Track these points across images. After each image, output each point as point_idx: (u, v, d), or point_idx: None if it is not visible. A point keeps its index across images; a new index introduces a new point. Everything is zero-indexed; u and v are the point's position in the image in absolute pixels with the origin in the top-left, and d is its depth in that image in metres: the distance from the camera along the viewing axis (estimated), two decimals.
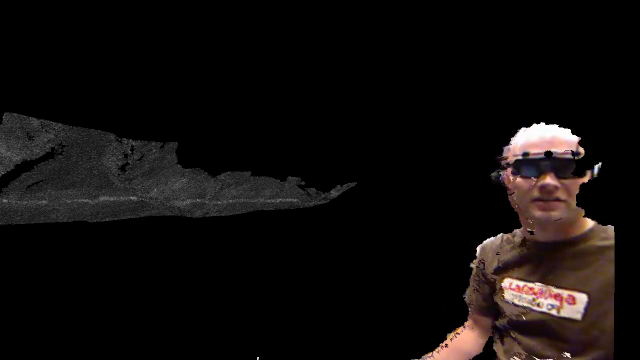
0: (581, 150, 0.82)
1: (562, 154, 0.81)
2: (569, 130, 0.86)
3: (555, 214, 0.82)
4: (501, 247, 1.04)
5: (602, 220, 0.89)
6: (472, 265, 1.14)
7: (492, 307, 1.07)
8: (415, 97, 6.48)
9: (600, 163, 0.84)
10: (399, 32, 5.87)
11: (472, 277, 1.14)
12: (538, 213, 0.84)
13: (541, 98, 5.03)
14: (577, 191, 0.83)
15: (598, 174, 0.84)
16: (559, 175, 0.81)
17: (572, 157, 0.81)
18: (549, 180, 0.80)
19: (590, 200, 0.87)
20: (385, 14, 5.71)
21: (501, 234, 1.08)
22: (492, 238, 1.10)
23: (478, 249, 1.12)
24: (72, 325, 3.62)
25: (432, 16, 5.60)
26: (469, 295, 1.15)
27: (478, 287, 1.11)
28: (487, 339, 1.11)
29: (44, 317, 3.75)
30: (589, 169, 0.81)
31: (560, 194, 0.81)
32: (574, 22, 4.73)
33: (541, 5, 4.95)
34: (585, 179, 0.82)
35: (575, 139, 0.84)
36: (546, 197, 0.81)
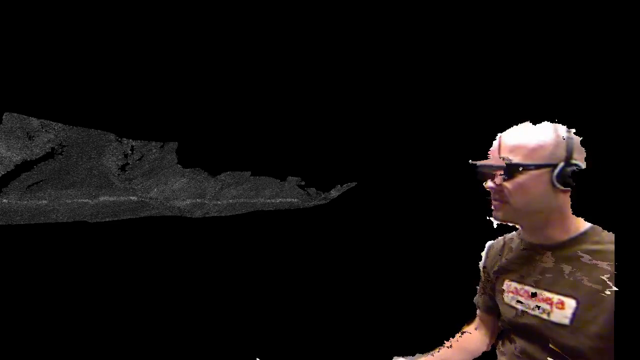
0: (517, 154, 0.86)
1: (489, 161, 0.90)
2: (526, 131, 0.87)
3: (498, 214, 0.90)
4: (503, 248, 1.06)
5: (601, 221, 0.89)
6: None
7: (497, 307, 1.09)
8: (415, 97, 6.48)
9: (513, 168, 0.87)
10: (398, 32, 5.87)
11: (481, 277, 1.16)
12: (493, 213, 0.93)
13: (541, 97, 5.03)
14: (520, 192, 0.85)
15: (559, 175, 0.84)
16: (496, 180, 0.88)
17: (494, 164, 0.88)
18: (489, 183, 0.90)
19: (590, 201, 0.87)
20: (384, 14, 5.71)
21: (507, 234, 1.09)
22: (498, 238, 1.11)
23: (485, 248, 1.14)
24: (72, 325, 3.62)
25: (431, 16, 5.60)
26: (478, 294, 1.17)
27: (484, 287, 1.13)
28: (494, 339, 1.12)
29: (44, 317, 3.75)
30: (507, 174, 0.86)
31: (500, 196, 0.89)
32: (573, 22, 4.73)
33: (540, 5, 4.95)
34: (523, 180, 0.85)
35: (497, 145, 0.89)
36: (492, 198, 0.91)
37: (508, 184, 0.86)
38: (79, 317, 3.74)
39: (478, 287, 1.15)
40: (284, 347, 3.22)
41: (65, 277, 4.59)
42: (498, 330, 1.10)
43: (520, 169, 0.83)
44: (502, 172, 0.86)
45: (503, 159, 0.86)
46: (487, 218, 0.92)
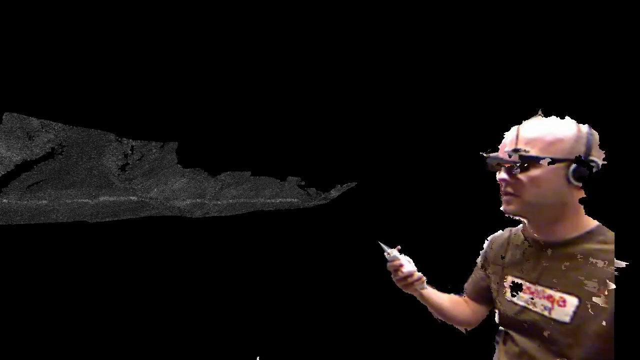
0: (534, 146, 0.83)
1: (504, 152, 0.87)
2: (546, 125, 0.85)
3: (509, 208, 0.88)
4: (507, 243, 1.04)
5: (602, 221, 0.88)
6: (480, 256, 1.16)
7: (484, 295, 1.09)
8: (415, 97, 6.48)
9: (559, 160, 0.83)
10: (399, 32, 5.87)
11: (477, 262, 1.16)
12: (502, 206, 0.90)
13: (541, 97, 5.03)
14: (532, 186, 0.83)
15: (575, 171, 0.82)
16: (510, 171, 0.85)
17: (511, 153, 0.85)
18: (499, 175, 0.88)
19: (591, 200, 0.87)
20: (384, 14, 5.71)
21: (509, 228, 1.08)
22: (500, 231, 1.10)
23: (487, 240, 1.13)
24: (72, 325, 3.62)
25: (431, 16, 5.60)
26: (469, 281, 1.18)
27: (478, 273, 1.13)
28: (474, 324, 1.14)
29: (44, 317, 3.75)
30: (523, 165, 0.84)
31: (511, 188, 0.86)
32: (573, 22, 4.73)
33: (541, 5, 4.95)
34: (538, 174, 0.83)
35: (515, 136, 0.87)
36: (502, 190, 0.88)
37: (522, 177, 0.83)
38: (79, 316, 3.74)
39: (472, 275, 1.15)
40: (284, 347, 3.23)
41: (65, 277, 4.58)
42: (476, 317, 1.13)
43: (539, 161, 0.81)
44: (516, 164, 0.83)
45: (518, 150, 0.84)
46: (503, 209, 0.89)
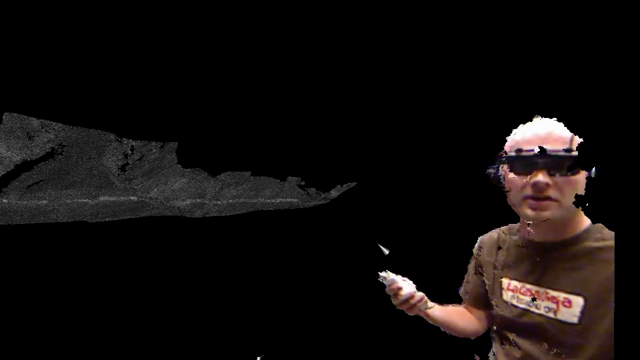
0: (576, 147, 0.79)
1: (555, 151, 0.78)
2: (564, 127, 0.85)
3: (545, 214, 0.79)
4: (500, 244, 1.02)
5: (602, 221, 0.88)
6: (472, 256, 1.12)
7: (485, 300, 1.06)
8: (415, 97, 6.48)
9: (596, 162, 0.81)
10: (399, 32, 5.87)
11: (469, 268, 1.13)
12: (529, 212, 0.81)
13: (542, 97, 5.03)
14: (571, 190, 0.79)
15: (596, 173, 0.81)
16: (551, 173, 0.78)
17: (565, 154, 0.78)
18: (541, 177, 0.78)
19: (591, 200, 0.86)
20: (385, 14, 5.71)
21: (501, 228, 1.06)
22: (492, 232, 1.08)
23: (478, 240, 1.10)
24: (72, 325, 3.62)
25: (431, 16, 5.59)
26: (464, 285, 1.15)
27: (473, 279, 1.10)
28: (478, 331, 1.10)
29: (44, 317, 3.75)
30: (582, 167, 0.78)
31: (552, 193, 0.78)
32: (574, 21, 4.73)
33: (541, 5, 4.95)
34: (579, 177, 0.79)
35: (572, 135, 0.82)
36: (538, 195, 0.79)
37: (563, 180, 0.78)
38: (79, 316, 3.74)
39: (465, 280, 1.14)
40: (284, 347, 3.22)
41: (66, 277, 4.58)
42: (483, 324, 1.09)
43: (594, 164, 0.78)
44: (558, 166, 0.77)
45: (569, 151, 0.77)
46: (532, 215, 0.79)
